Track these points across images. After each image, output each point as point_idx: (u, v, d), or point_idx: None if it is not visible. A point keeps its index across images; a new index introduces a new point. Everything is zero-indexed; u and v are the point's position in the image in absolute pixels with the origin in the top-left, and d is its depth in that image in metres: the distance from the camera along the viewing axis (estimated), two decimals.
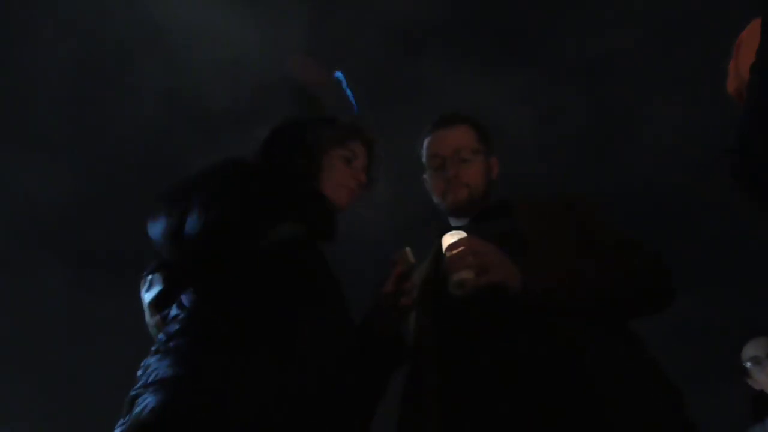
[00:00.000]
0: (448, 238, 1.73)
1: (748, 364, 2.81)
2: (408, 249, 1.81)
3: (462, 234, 1.73)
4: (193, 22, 6.90)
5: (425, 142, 2.21)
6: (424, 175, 2.22)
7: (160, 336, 1.50)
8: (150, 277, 1.73)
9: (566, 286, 1.67)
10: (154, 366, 1.40)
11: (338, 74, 1.95)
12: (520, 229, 1.89)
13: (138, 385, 1.38)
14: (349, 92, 1.99)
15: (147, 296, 1.71)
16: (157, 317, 1.62)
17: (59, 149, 6.67)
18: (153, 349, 1.48)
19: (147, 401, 1.31)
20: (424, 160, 2.21)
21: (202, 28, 6.94)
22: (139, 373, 1.42)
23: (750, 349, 2.85)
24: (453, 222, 2.12)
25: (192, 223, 1.50)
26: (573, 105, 7.47)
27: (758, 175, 1.18)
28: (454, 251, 1.66)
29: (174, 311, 1.56)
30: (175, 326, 1.49)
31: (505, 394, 1.63)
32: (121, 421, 1.35)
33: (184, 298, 1.58)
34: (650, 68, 7.20)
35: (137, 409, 1.31)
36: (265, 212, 1.62)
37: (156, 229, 1.59)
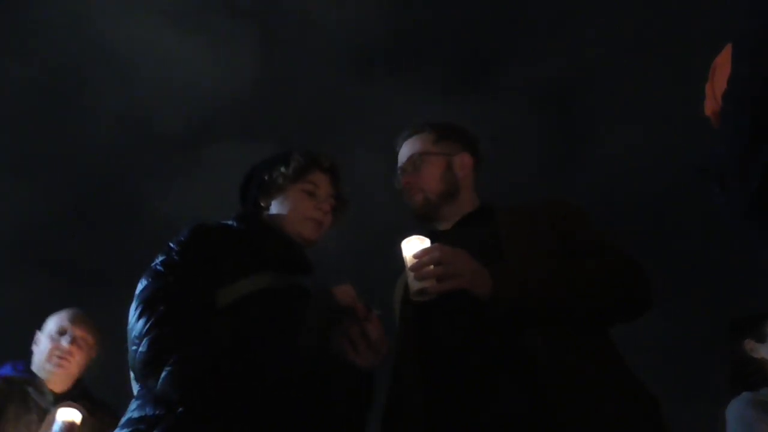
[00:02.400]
0: (410, 246, 1.69)
1: None
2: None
3: (425, 240, 1.70)
4: (146, 46, 6.91)
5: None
6: None
7: None
8: None
9: (537, 292, 1.67)
10: None
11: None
12: (499, 235, 1.87)
13: None
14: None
15: None
16: None
17: (19, 171, 6.65)
18: None
19: None
20: None
21: (155, 51, 6.96)
22: None
23: None
24: (437, 226, 2.09)
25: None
26: (525, 127, 7.62)
27: (738, 203, 1.21)
28: (417, 259, 1.65)
29: None
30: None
31: (480, 405, 1.63)
32: None
33: None
34: (604, 90, 7.40)
35: None
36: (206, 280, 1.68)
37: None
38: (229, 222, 1.90)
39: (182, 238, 1.75)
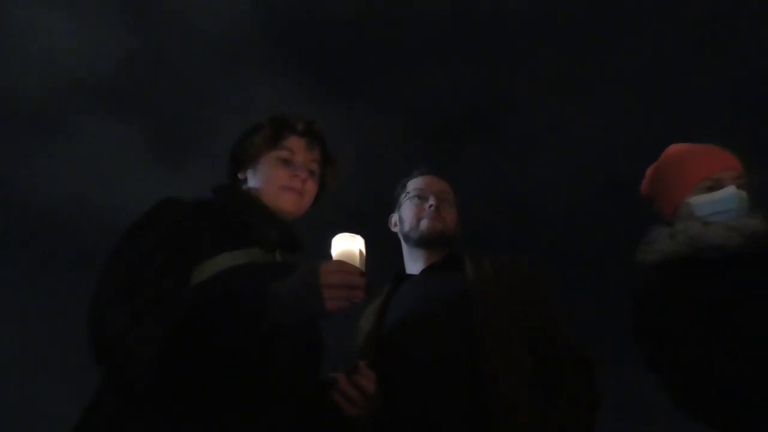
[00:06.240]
0: (340, 244, 1.48)
1: None
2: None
3: (357, 238, 1.49)
4: (8, 17, 6.70)
5: (412, 182, 2.30)
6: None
7: None
8: None
9: None
10: None
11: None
12: (469, 287, 1.94)
13: None
14: None
15: None
16: None
17: None
18: None
19: None
20: (406, 193, 2.29)
21: (14, 21, 6.76)
22: None
23: None
24: (413, 255, 2.21)
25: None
26: (394, 140, 7.89)
27: None
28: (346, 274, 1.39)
29: None
30: None
31: None
32: None
33: None
34: (488, 111, 7.81)
35: None
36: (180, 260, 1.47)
37: None
38: (207, 195, 1.72)
39: (146, 216, 1.53)
